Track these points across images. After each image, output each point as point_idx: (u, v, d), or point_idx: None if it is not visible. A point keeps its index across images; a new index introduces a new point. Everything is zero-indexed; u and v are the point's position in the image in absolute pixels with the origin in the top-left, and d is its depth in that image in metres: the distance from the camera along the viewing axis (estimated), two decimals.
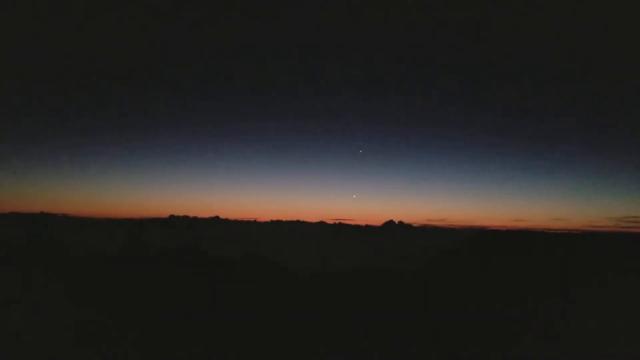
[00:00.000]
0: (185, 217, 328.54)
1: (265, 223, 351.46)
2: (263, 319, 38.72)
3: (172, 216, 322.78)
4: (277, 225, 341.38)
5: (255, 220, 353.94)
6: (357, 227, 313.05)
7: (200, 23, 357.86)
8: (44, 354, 28.73)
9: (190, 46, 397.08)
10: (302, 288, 52.37)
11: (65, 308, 37.06)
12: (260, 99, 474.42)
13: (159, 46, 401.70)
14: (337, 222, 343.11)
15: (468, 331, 34.59)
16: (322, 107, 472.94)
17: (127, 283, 47.07)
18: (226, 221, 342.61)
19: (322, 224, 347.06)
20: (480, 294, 44.19)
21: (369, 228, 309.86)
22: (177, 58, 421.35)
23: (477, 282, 48.56)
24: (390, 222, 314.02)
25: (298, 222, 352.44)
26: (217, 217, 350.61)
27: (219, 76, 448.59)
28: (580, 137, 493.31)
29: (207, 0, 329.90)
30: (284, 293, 48.84)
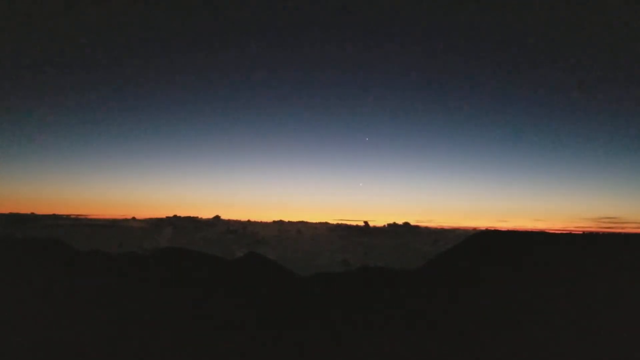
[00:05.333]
0: (187, 218, 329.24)
1: (267, 223, 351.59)
2: (264, 317, 38.92)
3: (174, 216, 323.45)
4: (279, 225, 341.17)
5: (257, 221, 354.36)
6: (359, 228, 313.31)
7: (200, 23, 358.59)
8: (44, 353, 28.96)
9: (191, 47, 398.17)
10: (303, 288, 52.53)
11: (66, 307, 37.32)
12: (262, 93, 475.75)
13: (161, 48, 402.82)
14: (339, 222, 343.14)
15: (469, 330, 34.70)
16: (326, 99, 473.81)
17: (129, 282, 47.35)
18: (227, 221, 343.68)
19: (324, 224, 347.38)
20: (480, 294, 44.28)
21: (370, 229, 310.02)
22: (176, 59, 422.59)
23: (477, 282, 48.65)
24: (393, 224, 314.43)
25: (301, 222, 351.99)
26: (217, 217, 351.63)
27: (219, 75, 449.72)
28: (559, 140, 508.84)
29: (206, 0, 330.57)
30: (285, 292, 49.03)
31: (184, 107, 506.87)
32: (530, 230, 71.68)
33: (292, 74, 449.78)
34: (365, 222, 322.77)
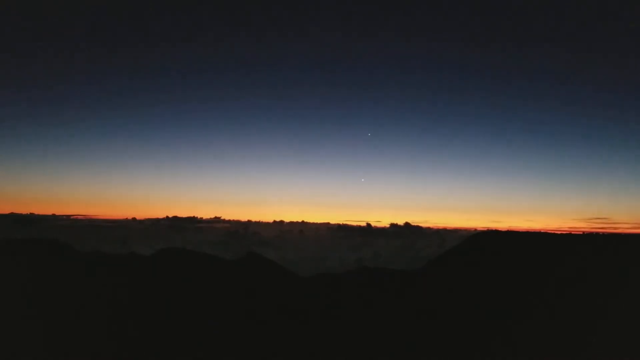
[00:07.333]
0: (187, 218, 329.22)
1: (268, 223, 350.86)
2: (264, 318, 38.75)
3: (174, 216, 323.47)
4: (279, 226, 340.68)
5: (258, 221, 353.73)
6: (360, 228, 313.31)
7: (200, 21, 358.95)
8: (45, 352, 28.83)
9: (191, 46, 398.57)
10: (303, 288, 52.39)
11: (66, 307, 37.18)
12: (262, 91, 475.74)
13: (162, 48, 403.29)
14: (341, 223, 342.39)
15: (469, 331, 34.57)
16: (327, 95, 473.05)
17: (129, 283, 47.21)
18: (227, 221, 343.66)
19: (326, 224, 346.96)
20: (479, 294, 44.15)
21: (372, 229, 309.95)
22: (176, 58, 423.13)
23: (476, 282, 48.51)
24: (395, 225, 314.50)
25: (302, 222, 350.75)
26: (217, 217, 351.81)
27: (219, 74, 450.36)
28: (551, 141, 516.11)
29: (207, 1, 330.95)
30: (286, 293, 48.89)
31: (184, 106, 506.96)
32: (528, 230, 71.69)
33: (292, 71, 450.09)
34: (367, 223, 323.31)
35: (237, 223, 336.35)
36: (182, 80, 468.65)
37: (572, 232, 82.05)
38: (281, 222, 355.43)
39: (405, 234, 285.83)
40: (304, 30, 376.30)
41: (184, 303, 41.82)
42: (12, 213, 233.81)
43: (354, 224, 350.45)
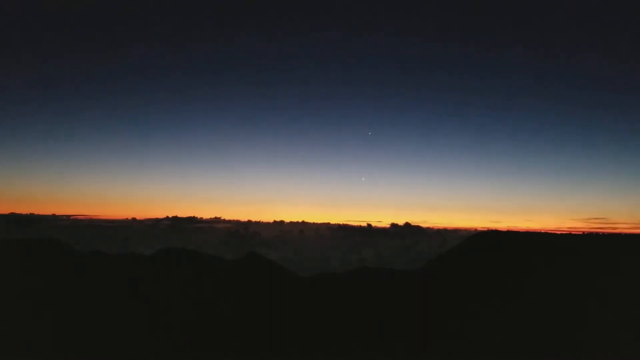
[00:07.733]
0: (187, 218, 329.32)
1: (268, 223, 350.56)
2: (264, 318, 38.76)
3: (174, 216, 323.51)
4: (279, 226, 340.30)
5: (258, 221, 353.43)
6: (361, 228, 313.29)
7: (200, 19, 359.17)
8: (45, 351, 28.85)
9: (190, 44, 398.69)
10: (303, 289, 52.41)
11: (66, 307, 37.19)
12: (262, 91, 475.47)
13: (161, 47, 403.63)
14: (341, 223, 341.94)
15: (467, 331, 34.58)
16: (328, 92, 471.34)
17: (129, 283, 47.25)
18: (228, 221, 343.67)
19: (326, 224, 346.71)
20: (479, 294, 44.19)
21: (373, 229, 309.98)
22: (176, 57, 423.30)
23: (476, 283, 48.54)
24: (395, 225, 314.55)
25: (302, 222, 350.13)
26: (217, 217, 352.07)
27: (220, 73, 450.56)
28: (549, 141, 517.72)
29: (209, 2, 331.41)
30: (286, 293, 48.91)
31: (184, 106, 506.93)
32: (527, 230, 71.72)
33: (292, 71, 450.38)
34: (368, 223, 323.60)
35: (237, 223, 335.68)
36: (182, 80, 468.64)
37: (572, 232, 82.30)
38: (281, 222, 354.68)
39: (405, 234, 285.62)
40: (304, 30, 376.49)
41: (184, 303, 41.84)
42: (12, 213, 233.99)
43: (354, 224, 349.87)
